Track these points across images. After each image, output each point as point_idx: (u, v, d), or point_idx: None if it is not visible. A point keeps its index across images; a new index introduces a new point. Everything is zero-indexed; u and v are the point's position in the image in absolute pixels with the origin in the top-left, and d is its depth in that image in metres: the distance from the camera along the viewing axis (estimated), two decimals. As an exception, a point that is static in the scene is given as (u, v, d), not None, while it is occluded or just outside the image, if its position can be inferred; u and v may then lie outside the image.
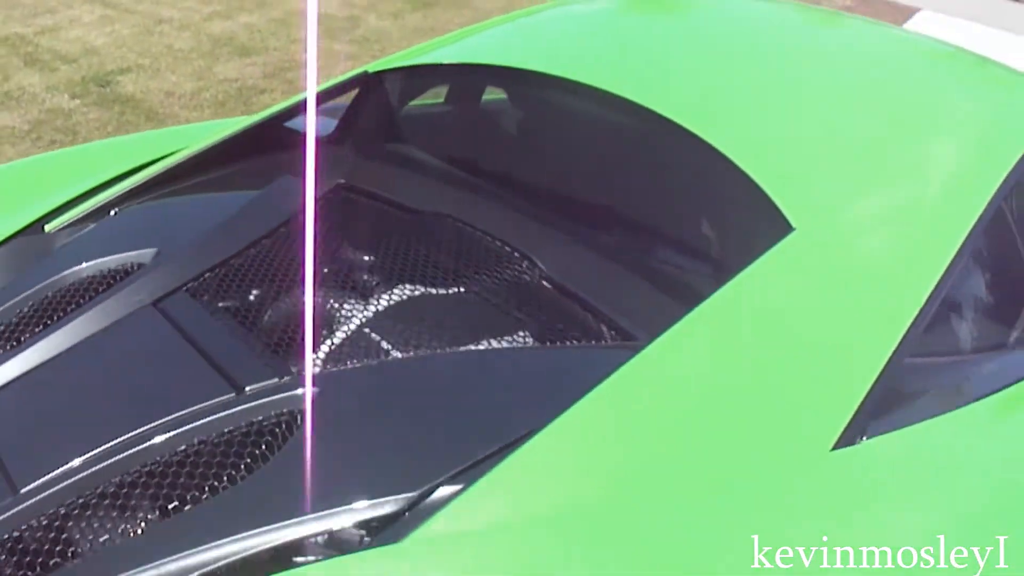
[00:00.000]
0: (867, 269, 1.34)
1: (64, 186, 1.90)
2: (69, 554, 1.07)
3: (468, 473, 1.06)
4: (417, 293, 1.44)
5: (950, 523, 1.20)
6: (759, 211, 1.36)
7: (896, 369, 1.24)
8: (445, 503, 1.02)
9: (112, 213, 1.79)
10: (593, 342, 1.34)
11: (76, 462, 1.16)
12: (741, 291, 1.25)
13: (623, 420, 1.13)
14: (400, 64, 2.08)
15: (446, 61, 2.07)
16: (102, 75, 5.56)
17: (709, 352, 1.21)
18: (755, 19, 2.16)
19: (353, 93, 2.14)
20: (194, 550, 1.01)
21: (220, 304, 1.44)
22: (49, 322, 1.44)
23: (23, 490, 1.14)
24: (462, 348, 1.32)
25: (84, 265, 1.56)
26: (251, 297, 1.47)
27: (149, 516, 1.11)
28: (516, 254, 1.51)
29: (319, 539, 1.02)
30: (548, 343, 1.34)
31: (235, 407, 1.20)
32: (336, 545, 1.01)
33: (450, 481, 1.05)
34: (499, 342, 1.33)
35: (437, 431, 1.15)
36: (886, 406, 1.22)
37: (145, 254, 1.57)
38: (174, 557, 1.00)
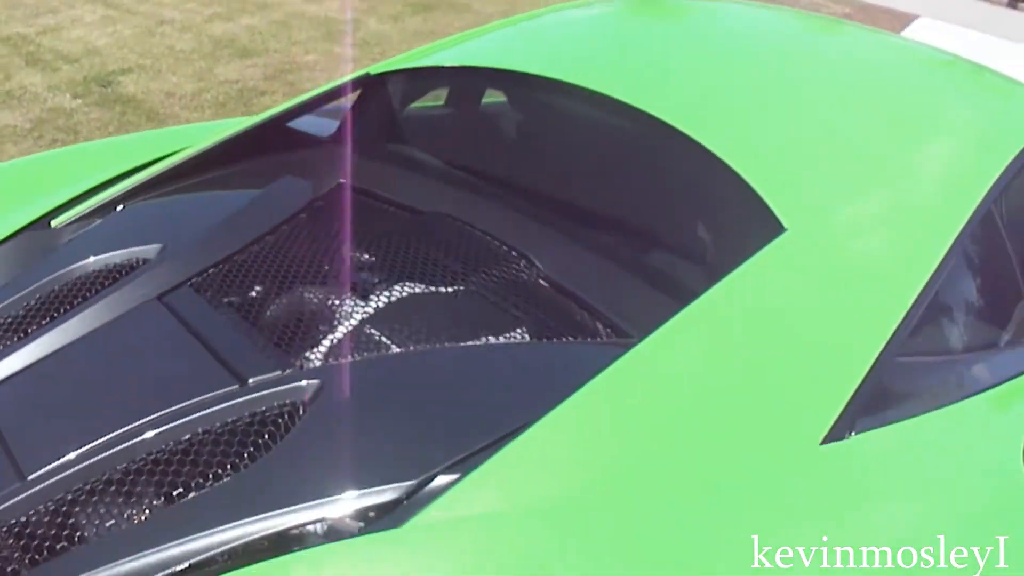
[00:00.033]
0: (857, 269, 1.37)
1: (68, 183, 1.93)
2: (75, 539, 1.10)
3: (465, 463, 1.08)
4: (417, 290, 1.47)
5: (937, 515, 1.23)
6: (752, 212, 1.39)
7: (885, 367, 1.27)
8: (442, 492, 1.05)
9: (117, 209, 1.82)
10: (588, 339, 1.37)
11: (82, 450, 1.18)
12: (733, 289, 1.28)
13: (616, 414, 1.16)
14: (402, 66, 2.11)
15: (447, 64, 2.10)
16: (104, 75, 5.59)
17: (701, 348, 1.24)
18: (751, 25, 2.19)
19: (355, 94, 2.18)
20: (197, 535, 1.03)
21: (223, 299, 1.47)
22: (56, 315, 1.47)
23: (30, 477, 1.16)
24: (460, 343, 1.35)
25: (90, 260, 1.58)
26: (254, 292, 1.50)
27: (154, 502, 1.13)
28: (514, 253, 1.54)
29: (320, 525, 1.05)
30: (544, 339, 1.37)
31: (238, 398, 1.22)
32: (337, 531, 1.04)
33: (447, 471, 1.08)
34: (496, 338, 1.36)
35: (435, 423, 1.18)
36: (875, 403, 1.25)
37: (150, 250, 1.59)
38: (178, 542, 1.03)
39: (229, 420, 1.20)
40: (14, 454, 1.20)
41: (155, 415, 1.21)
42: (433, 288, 1.47)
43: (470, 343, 1.35)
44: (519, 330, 1.38)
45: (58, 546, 1.09)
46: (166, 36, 6.44)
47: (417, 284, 1.48)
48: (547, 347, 1.36)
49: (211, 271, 1.52)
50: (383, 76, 2.11)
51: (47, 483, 1.16)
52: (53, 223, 1.79)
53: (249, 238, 1.60)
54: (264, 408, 1.21)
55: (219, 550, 1.03)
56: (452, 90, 2.38)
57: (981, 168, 1.60)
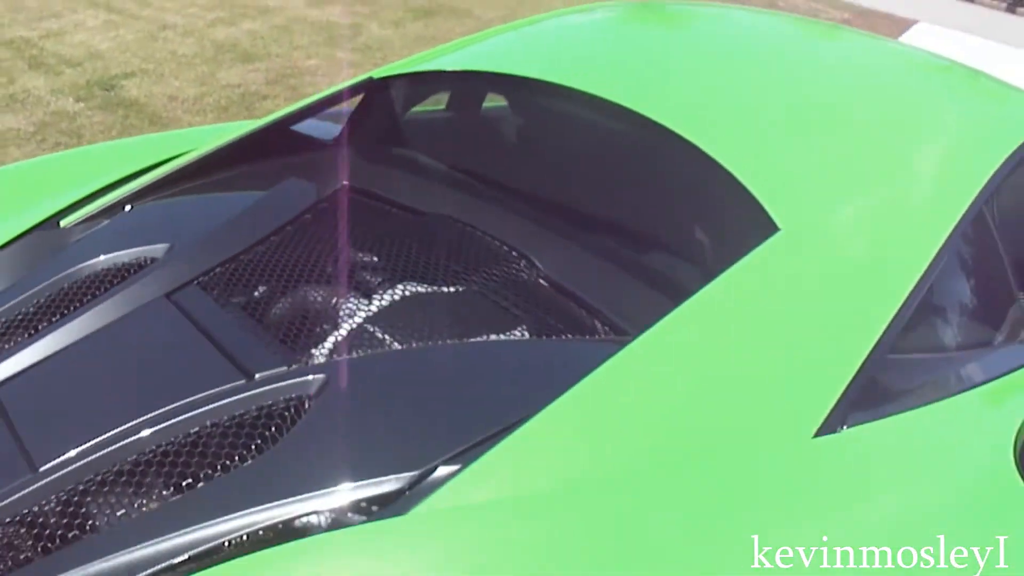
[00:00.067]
0: (849, 268, 1.40)
1: (73, 185, 1.97)
2: (86, 527, 1.13)
3: (465, 455, 1.12)
4: (419, 289, 1.50)
5: (926, 506, 1.27)
6: (747, 213, 1.42)
7: (876, 363, 1.30)
8: (444, 482, 1.08)
9: (125, 210, 1.85)
10: (586, 336, 1.40)
11: (92, 442, 1.21)
12: (728, 287, 1.32)
13: (612, 408, 1.19)
14: (404, 71, 2.14)
15: (448, 68, 2.14)
16: (106, 79, 5.62)
17: (695, 344, 1.27)
18: (748, 30, 2.23)
19: (359, 98, 2.21)
20: (206, 524, 1.07)
21: (230, 297, 1.50)
22: (66, 312, 1.50)
23: (42, 468, 1.19)
24: (462, 340, 1.38)
25: (99, 259, 1.62)
26: (259, 291, 1.53)
27: (163, 492, 1.17)
28: (514, 253, 1.57)
29: (326, 513, 1.08)
30: (543, 336, 1.40)
31: (245, 392, 1.26)
32: (342, 518, 1.07)
33: (448, 462, 1.11)
34: (496, 335, 1.39)
35: (437, 416, 1.21)
36: (866, 398, 1.28)
37: (157, 249, 1.63)
38: (187, 530, 1.06)
39: (237, 413, 1.23)
40: (26, 446, 1.23)
41: (164, 408, 1.24)
42: (435, 287, 1.50)
43: (471, 340, 1.38)
44: (519, 328, 1.42)
45: (70, 535, 1.12)
46: (168, 41, 6.47)
47: (419, 283, 1.51)
48: (546, 344, 1.39)
49: (218, 270, 1.55)
50: (386, 80, 2.14)
51: (59, 474, 1.19)
52: (62, 223, 1.83)
53: (255, 238, 1.63)
54: (271, 402, 1.24)
55: (228, 538, 1.06)
56: (454, 94, 2.41)
57: (972, 170, 1.63)
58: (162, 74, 5.77)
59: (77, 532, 1.12)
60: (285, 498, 1.08)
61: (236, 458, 1.17)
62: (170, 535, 1.06)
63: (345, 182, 1.85)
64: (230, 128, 2.21)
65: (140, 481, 1.18)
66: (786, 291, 1.35)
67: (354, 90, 2.15)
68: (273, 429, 1.20)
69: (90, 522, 1.14)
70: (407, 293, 1.49)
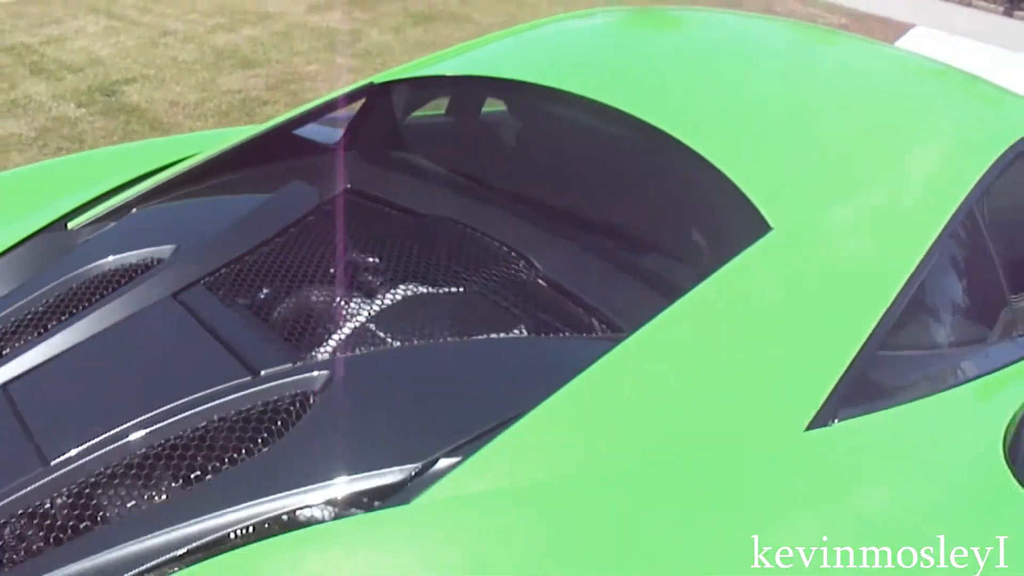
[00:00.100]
0: (840, 267, 1.44)
1: (77, 189, 2.00)
2: (97, 519, 1.16)
3: (465, 448, 1.15)
4: (420, 289, 1.53)
5: (916, 496, 1.30)
6: (740, 214, 1.45)
7: (867, 359, 1.34)
8: (444, 473, 1.12)
9: (132, 212, 1.89)
10: (582, 334, 1.43)
11: (102, 436, 1.24)
12: (721, 285, 1.35)
13: (607, 402, 1.22)
14: (405, 76, 2.18)
15: (449, 73, 2.17)
16: (107, 85, 5.66)
17: (689, 339, 1.31)
18: (745, 35, 2.26)
19: (360, 103, 2.25)
20: (214, 514, 1.10)
21: (235, 297, 1.54)
22: (76, 311, 1.53)
23: (53, 462, 1.23)
24: (462, 338, 1.41)
25: (107, 259, 1.65)
26: (264, 291, 1.56)
27: (172, 484, 1.20)
28: (513, 254, 1.61)
29: (331, 503, 1.11)
30: (541, 334, 1.44)
31: (251, 388, 1.29)
32: (346, 508, 1.10)
33: (449, 454, 1.14)
34: (496, 333, 1.43)
35: (438, 411, 1.24)
36: (857, 393, 1.32)
37: (164, 250, 1.66)
38: (196, 520, 1.09)
39: (243, 408, 1.27)
40: (37, 441, 1.26)
41: (172, 404, 1.27)
42: (435, 287, 1.54)
43: (472, 338, 1.41)
44: (517, 326, 1.45)
45: (81, 525, 1.15)
46: (169, 47, 6.51)
47: (419, 283, 1.54)
48: (543, 341, 1.42)
49: (223, 271, 1.59)
50: (387, 85, 2.18)
51: (69, 467, 1.22)
52: (69, 225, 1.86)
53: (259, 240, 1.67)
54: (276, 397, 1.28)
55: (236, 527, 1.09)
56: (454, 99, 2.45)
57: (962, 171, 1.66)
58: (163, 80, 5.80)
59: (88, 523, 1.15)
60: (292, 489, 1.11)
61: (243, 451, 1.20)
62: (180, 525, 1.09)
63: (347, 185, 1.88)
64: (232, 133, 2.25)
65: (149, 474, 1.21)
66: (778, 289, 1.38)
67: (356, 95, 2.18)
68: (279, 423, 1.23)
69: (100, 513, 1.17)
70: (408, 293, 1.52)
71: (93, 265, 1.65)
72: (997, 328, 1.73)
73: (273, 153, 2.06)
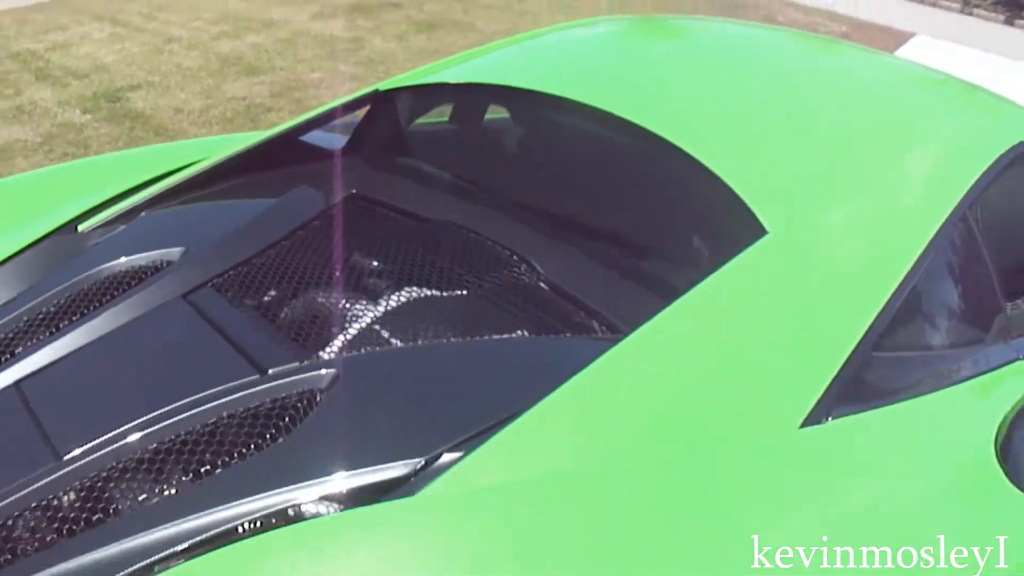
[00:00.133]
0: (835, 269, 1.47)
1: (83, 194, 2.03)
2: (108, 512, 1.19)
3: (467, 444, 1.18)
4: (424, 292, 1.57)
5: (908, 492, 1.33)
6: (737, 217, 1.49)
7: (861, 360, 1.37)
8: (447, 468, 1.15)
9: (141, 216, 1.92)
10: (582, 334, 1.47)
11: (113, 432, 1.27)
12: (717, 287, 1.38)
13: (605, 401, 1.26)
14: (409, 83, 2.21)
15: (452, 81, 2.21)
16: (112, 91, 5.70)
17: (686, 339, 1.34)
18: (745, 43, 2.30)
19: (365, 109, 2.29)
20: (223, 507, 1.13)
21: (243, 298, 1.57)
22: (87, 311, 1.57)
23: (65, 457, 1.26)
24: (464, 338, 1.45)
25: (118, 261, 1.69)
26: (272, 292, 1.60)
27: (182, 479, 1.23)
28: (515, 258, 1.64)
29: (338, 496, 1.14)
30: (542, 334, 1.47)
31: (259, 386, 1.32)
32: (354, 501, 1.14)
33: (452, 450, 1.18)
34: (498, 334, 1.46)
35: (441, 408, 1.28)
36: (850, 392, 1.35)
37: (173, 252, 1.70)
38: (205, 512, 1.12)
39: (252, 405, 1.30)
40: (50, 437, 1.30)
41: (182, 401, 1.30)
42: (438, 290, 1.57)
43: (474, 339, 1.45)
44: (518, 327, 1.48)
45: (93, 518, 1.18)
46: (174, 54, 6.56)
47: (423, 286, 1.57)
48: (543, 341, 1.45)
49: (232, 273, 1.62)
50: (391, 92, 2.22)
51: (81, 462, 1.25)
52: (80, 227, 1.89)
53: (267, 243, 1.70)
54: (284, 395, 1.31)
55: (244, 520, 1.12)
56: (457, 106, 2.49)
57: (956, 176, 1.70)
58: (168, 86, 5.84)
59: (100, 516, 1.18)
60: (299, 483, 1.14)
61: (252, 447, 1.24)
62: (188, 517, 1.12)
63: (353, 190, 1.92)
64: (237, 139, 2.28)
65: (160, 468, 1.24)
66: (774, 290, 1.41)
67: (360, 102, 2.22)
68: (286, 420, 1.27)
69: (111, 506, 1.20)
70: (412, 295, 1.55)
71: (104, 266, 1.68)
72: (990, 331, 1.76)
73: (280, 158, 2.10)
